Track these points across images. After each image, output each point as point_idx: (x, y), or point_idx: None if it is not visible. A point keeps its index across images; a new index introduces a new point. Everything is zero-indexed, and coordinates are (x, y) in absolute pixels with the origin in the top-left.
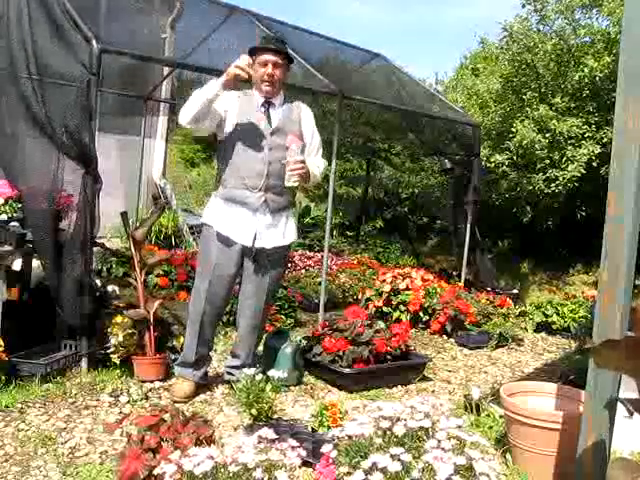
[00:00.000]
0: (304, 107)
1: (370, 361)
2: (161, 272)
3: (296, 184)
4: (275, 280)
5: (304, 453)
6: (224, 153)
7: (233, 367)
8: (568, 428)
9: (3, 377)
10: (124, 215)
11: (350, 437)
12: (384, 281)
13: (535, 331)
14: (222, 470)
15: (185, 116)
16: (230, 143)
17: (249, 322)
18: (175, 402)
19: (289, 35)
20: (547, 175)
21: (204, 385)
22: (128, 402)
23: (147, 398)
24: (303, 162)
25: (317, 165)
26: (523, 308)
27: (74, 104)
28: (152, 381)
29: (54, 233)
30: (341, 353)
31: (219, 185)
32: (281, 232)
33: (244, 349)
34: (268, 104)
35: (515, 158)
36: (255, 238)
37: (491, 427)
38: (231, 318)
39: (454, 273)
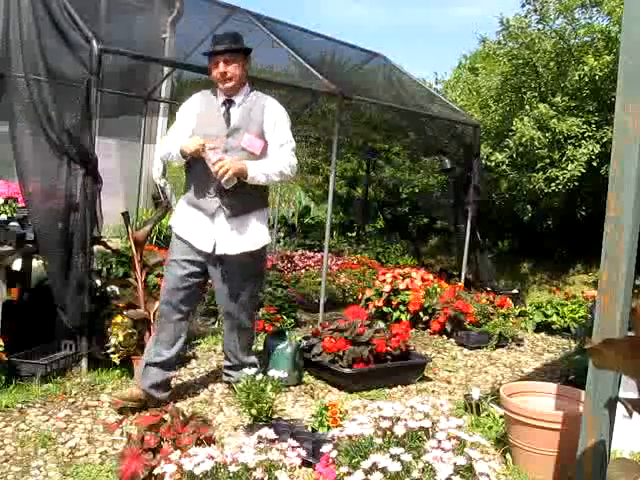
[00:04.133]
0: (270, 102)
1: (370, 361)
2: (161, 272)
3: (231, 184)
4: (246, 286)
5: (304, 453)
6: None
7: (227, 367)
8: (568, 428)
9: (3, 377)
10: (125, 215)
11: (350, 437)
12: (384, 281)
13: (535, 331)
14: (222, 470)
15: (162, 157)
16: None
17: (227, 325)
18: (118, 402)
19: (289, 35)
20: (547, 174)
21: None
22: None
23: None
24: (222, 160)
25: (278, 162)
26: (523, 308)
27: (74, 104)
28: None
29: (58, 233)
30: (341, 353)
31: (186, 188)
32: (248, 237)
33: (227, 351)
34: (229, 103)
35: (515, 156)
36: (216, 244)
37: (491, 427)
38: None
39: (454, 273)
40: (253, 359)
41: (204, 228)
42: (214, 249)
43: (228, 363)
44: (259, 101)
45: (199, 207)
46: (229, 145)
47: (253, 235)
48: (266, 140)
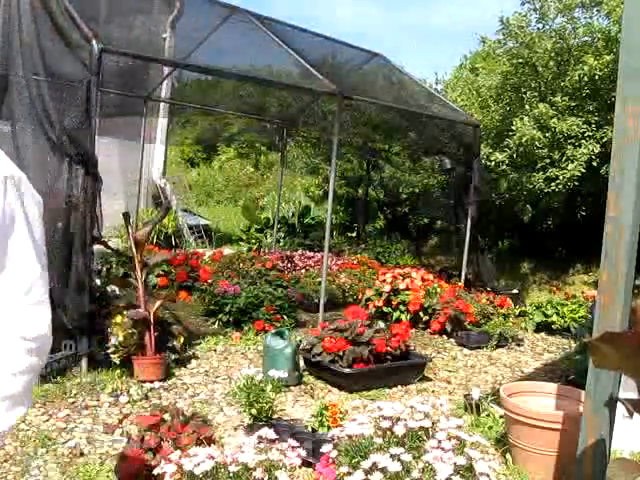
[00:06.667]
0: None
1: (370, 361)
2: (161, 272)
3: None
4: None
5: (304, 453)
6: None
7: None
8: (568, 428)
9: None
10: (126, 216)
11: (350, 437)
12: (384, 281)
13: (535, 331)
14: (222, 470)
15: None
16: None
17: None
18: None
19: (289, 35)
20: (547, 174)
21: None
22: (128, 402)
23: (147, 398)
24: None
25: None
26: (523, 308)
27: (74, 104)
28: (152, 381)
29: (58, 233)
30: (341, 353)
31: None
32: None
33: None
34: None
35: (515, 156)
36: None
37: (491, 427)
38: (231, 318)
39: (454, 273)
40: None
41: None
42: None
43: None
44: None
45: None
46: None
47: None
48: None
